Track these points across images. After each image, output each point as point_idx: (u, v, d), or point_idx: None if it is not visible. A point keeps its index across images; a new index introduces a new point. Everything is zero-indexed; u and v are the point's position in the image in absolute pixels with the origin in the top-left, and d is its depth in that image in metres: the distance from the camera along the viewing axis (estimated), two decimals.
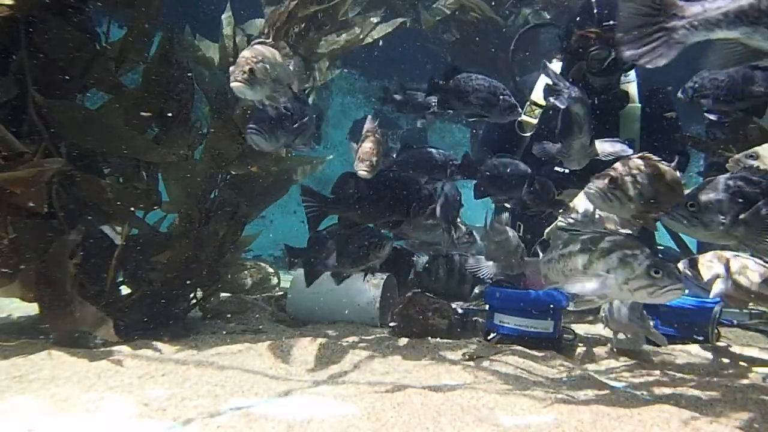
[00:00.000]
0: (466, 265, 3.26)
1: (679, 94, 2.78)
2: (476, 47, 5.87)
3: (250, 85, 2.04)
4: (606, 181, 1.85)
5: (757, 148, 1.98)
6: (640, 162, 1.88)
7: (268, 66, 2.09)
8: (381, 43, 4.20)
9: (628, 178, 1.85)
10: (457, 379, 2.02)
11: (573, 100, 2.22)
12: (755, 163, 1.96)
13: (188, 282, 2.66)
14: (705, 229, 1.77)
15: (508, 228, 2.41)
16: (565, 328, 2.60)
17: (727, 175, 1.80)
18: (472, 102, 2.43)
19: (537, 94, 3.49)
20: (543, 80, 3.49)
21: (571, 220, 2.38)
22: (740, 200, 1.74)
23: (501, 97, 2.43)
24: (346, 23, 4.03)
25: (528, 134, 3.47)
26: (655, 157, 1.90)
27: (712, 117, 2.79)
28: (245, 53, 2.09)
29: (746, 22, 1.30)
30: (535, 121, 3.46)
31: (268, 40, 2.22)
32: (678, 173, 1.93)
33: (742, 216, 1.72)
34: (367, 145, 2.19)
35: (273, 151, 2.70)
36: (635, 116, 3.36)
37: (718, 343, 2.63)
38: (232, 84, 2.03)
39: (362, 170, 2.15)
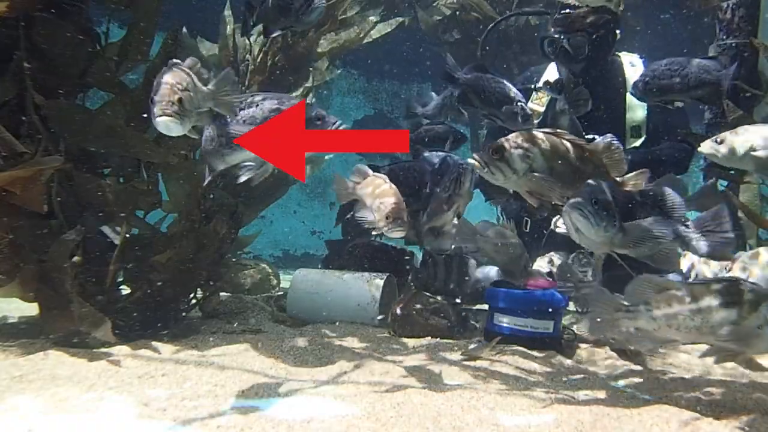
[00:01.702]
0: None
1: (631, 90, 2.80)
2: (476, 47, 5.86)
3: (180, 119, 1.61)
4: (489, 151, 1.68)
5: (725, 133, 1.97)
6: (542, 136, 1.70)
7: (192, 93, 1.69)
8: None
9: (517, 151, 1.67)
10: (457, 379, 2.02)
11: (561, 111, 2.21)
12: (722, 148, 1.95)
13: (188, 282, 2.66)
14: (596, 237, 1.72)
15: (512, 233, 2.41)
16: (565, 328, 2.60)
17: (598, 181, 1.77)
18: (491, 103, 2.43)
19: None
20: (551, 70, 3.51)
21: None
22: (618, 207, 1.72)
23: (518, 104, 2.44)
24: (345, 22, 4.03)
25: (536, 122, 3.48)
26: (569, 135, 1.75)
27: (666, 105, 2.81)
28: (168, 78, 1.65)
29: None
30: (542, 109, 3.48)
31: (181, 62, 1.78)
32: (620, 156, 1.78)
33: (623, 224, 1.72)
34: (391, 201, 1.90)
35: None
36: (640, 103, 3.37)
37: None
38: (159, 119, 1.59)
39: (398, 232, 1.90)
